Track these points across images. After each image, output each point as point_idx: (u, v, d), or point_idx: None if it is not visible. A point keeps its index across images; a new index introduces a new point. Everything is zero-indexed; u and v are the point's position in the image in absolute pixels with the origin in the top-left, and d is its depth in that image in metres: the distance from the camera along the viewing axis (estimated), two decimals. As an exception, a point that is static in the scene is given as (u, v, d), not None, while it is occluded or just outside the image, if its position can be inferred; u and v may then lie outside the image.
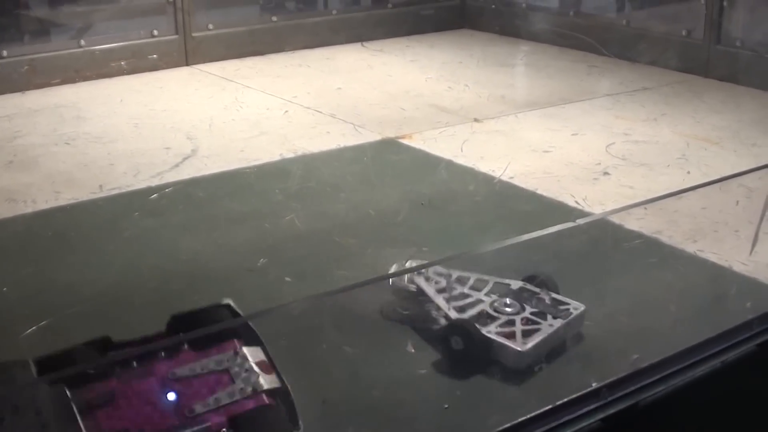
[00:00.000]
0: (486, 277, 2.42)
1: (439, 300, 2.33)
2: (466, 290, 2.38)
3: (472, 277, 2.42)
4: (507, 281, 2.41)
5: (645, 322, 2.35)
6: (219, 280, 2.62)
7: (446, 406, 1.87)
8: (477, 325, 2.21)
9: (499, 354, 2.18)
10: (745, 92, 4.39)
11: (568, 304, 2.31)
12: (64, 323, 2.36)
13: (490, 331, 2.21)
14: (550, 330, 2.22)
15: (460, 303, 2.32)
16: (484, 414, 2.01)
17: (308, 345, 2.22)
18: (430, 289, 2.37)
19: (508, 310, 2.29)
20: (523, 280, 2.41)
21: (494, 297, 2.34)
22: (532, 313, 2.28)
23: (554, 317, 2.26)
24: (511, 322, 2.24)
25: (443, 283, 2.39)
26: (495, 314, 2.28)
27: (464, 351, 2.17)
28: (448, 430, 2.00)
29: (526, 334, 2.21)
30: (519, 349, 2.16)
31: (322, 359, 2.18)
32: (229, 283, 2.60)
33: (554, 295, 2.34)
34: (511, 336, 2.20)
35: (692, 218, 3.01)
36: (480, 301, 2.33)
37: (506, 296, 2.34)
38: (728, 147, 3.68)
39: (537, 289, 2.37)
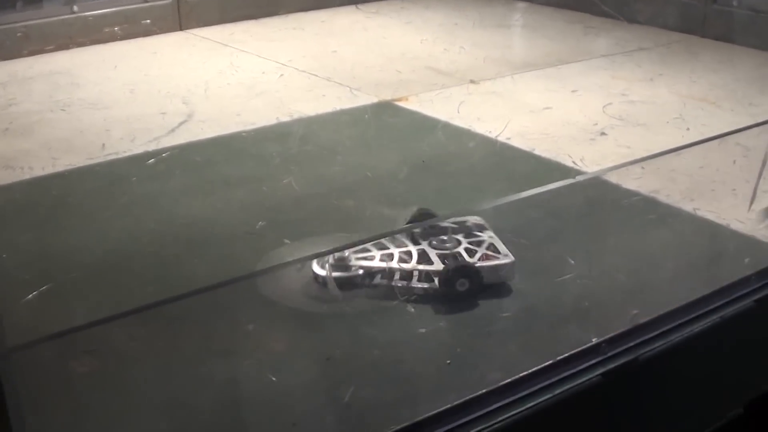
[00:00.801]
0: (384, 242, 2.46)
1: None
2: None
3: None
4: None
5: (644, 278, 2.36)
6: (218, 243, 2.62)
7: (448, 361, 1.89)
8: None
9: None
10: (741, 52, 4.38)
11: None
12: (65, 288, 2.37)
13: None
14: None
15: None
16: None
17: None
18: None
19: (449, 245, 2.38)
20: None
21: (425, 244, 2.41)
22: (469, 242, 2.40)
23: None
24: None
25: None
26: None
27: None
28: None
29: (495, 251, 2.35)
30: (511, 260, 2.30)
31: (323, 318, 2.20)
32: (228, 245, 2.60)
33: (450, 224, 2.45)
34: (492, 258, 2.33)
35: (690, 177, 3.01)
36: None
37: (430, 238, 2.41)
38: (725, 106, 3.67)
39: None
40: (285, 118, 3.58)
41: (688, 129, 3.42)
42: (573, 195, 2.92)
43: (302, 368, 2.02)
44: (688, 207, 2.80)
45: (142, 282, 2.39)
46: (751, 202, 2.49)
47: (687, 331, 1.97)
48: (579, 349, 1.85)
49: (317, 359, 2.05)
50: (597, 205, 2.89)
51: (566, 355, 1.84)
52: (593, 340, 1.88)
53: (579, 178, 2.80)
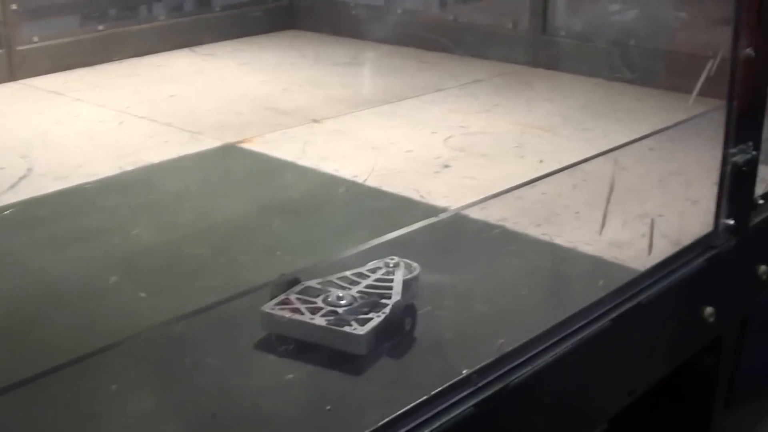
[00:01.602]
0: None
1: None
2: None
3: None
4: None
5: (504, 306, 2.41)
6: (71, 301, 2.53)
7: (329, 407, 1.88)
8: None
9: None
10: (572, 79, 4.57)
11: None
12: None
13: None
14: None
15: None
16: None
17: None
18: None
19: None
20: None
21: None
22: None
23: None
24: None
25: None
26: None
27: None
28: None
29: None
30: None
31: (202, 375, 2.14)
32: (82, 303, 2.51)
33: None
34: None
35: (534, 204, 3.11)
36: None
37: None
38: (561, 133, 3.82)
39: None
40: (129, 167, 3.50)
41: (541, 161, 3.51)
42: (421, 229, 2.96)
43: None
44: (535, 233, 2.88)
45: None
46: (602, 227, 2.59)
47: (551, 355, 2.04)
48: (450, 382, 1.88)
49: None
50: (444, 237, 2.94)
51: (439, 389, 1.86)
52: (463, 372, 1.91)
53: (442, 216, 2.84)
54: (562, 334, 2.08)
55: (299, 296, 2.23)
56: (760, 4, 2.33)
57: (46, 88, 4.57)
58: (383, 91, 4.50)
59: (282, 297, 2.23)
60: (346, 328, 2.09)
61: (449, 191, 3.24)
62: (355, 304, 2.17)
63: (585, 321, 2.14)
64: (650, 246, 2.52)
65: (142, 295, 2.54)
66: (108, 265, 2.71)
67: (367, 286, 2.28)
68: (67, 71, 4.81)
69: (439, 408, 1.85)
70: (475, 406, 1.88)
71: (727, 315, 2.70)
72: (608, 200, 2.52)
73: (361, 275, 2.34)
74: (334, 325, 2.11)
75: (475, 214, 3.02)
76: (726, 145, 2.44)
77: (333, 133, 3.91)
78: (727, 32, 3.61)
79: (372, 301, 2.19)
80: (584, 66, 4.54)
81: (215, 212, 3.11)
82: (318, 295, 2.23)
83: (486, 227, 2.92)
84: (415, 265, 2.38)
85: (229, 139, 3.82)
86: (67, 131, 3.95)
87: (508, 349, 1.99)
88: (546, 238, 2.84)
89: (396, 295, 2.21)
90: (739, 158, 2.46)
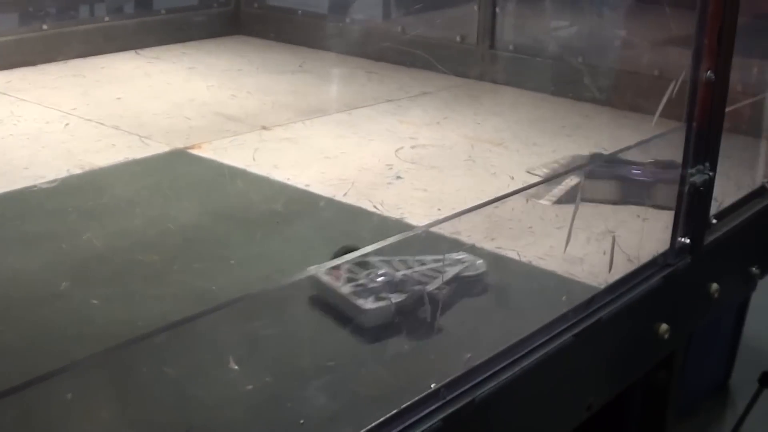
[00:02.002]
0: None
1: None
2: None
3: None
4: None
5: (465, 320, 2.42)
6: (20, 308, 2.47)
7: (302, 421, 1.86)
8: None
9: None
10: (520, 94, 4.61)
11: None
12: None
13: None
14: None
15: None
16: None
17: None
18: None
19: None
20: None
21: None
22: None
23: None
24: None
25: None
26: None
27: None
28: None
29: None
30: None
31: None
32: (32, 310, 2.46)
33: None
34: None
35: (487, 217, 3.11)
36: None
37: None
38: (511, 147, 3.85)
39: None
40: (76, 170, 3.44)
41: (512, 178, 3.51)
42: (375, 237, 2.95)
43: None
44: (490, 246, 2.89)
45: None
46: (567, 244, 2.62)
47: (517, 369, 2.06)
48: (420, 396, 1.88)
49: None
50: (403, 250, 2.94)
51: (408, 403, 1.86)
52: (432, 386, 1.92)
53: (417, 230, 2.84)
54: (527, 349, 2.10)
55: (352, 266, 2.31)
56: (720, 29, 2.38)
57: (-13, 87, 4.48)
58: (333, 100, 4.49)
59: (336, 262, 2.27)
60: (359, 301, 2.18)
61: (402, 202, 3.24)
62: (386, 283, 2.23)
63: (548, 336, 2.16)
64: (611, 263, 2.56)
65: (95, 302, 2.50)
66: (58, 271, 2.66)
67: (417, 273, 2.32)
68: (8, 70, 4.70)
69: (410, 421, 1.85)
70: (443, 420, 1.88)
71: (681, 331, 2.75)
72: (573, 217, 2.55)
73: (422, 262, 2.42)
74: (351, 295, 2.21)
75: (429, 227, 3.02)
76: (684, 166, 2.48)
77: (283, 140, 3.88)
78: (670, 52, 3.70)
79: (400, 285, 2.25)
80: (531, 81, 4.58)
81: (168, 219, 3.06)
82: (367, 269, 2.32)
83: (442, 239, 2.92)
84: (480, 262, 2.48)
85: (178, 144, 3.78)
86: (12, 132, 3.86)
87: (475, 363, 1.99)
88: (500, 251, 2.85)
89: (431, 285, 2.25)
90: (697, 178, 2.50)
